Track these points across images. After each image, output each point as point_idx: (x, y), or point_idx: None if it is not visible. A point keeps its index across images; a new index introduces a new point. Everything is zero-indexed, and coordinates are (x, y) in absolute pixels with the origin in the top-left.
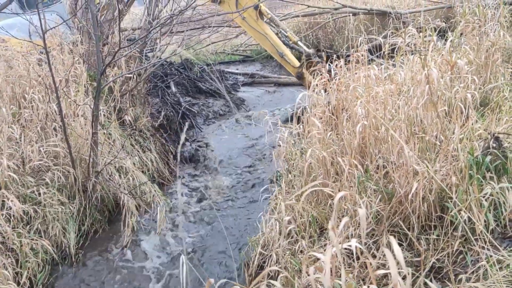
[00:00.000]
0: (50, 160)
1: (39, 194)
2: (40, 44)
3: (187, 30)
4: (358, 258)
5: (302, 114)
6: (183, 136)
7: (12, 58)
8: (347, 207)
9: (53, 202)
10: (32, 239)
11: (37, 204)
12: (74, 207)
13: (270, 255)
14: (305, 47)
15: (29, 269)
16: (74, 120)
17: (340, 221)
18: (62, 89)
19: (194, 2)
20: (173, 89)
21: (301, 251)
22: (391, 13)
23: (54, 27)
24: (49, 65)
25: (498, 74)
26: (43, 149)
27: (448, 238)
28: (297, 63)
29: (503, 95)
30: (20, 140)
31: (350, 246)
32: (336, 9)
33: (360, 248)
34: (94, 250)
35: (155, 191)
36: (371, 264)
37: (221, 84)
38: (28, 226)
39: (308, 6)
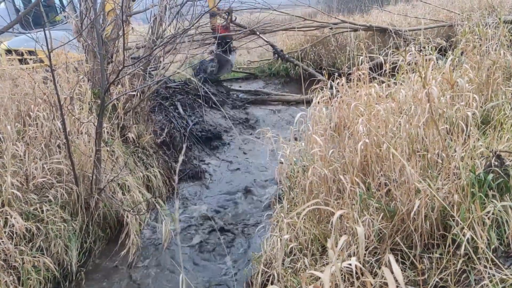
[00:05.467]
0: (54, 177)
1: (42, 211)
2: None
3: (190, 49)
4: (361, 276)
5: None
6: (181, 157)
7: (18, 76)
8: (349, 225)
9: (55, 219)
10: (34, 257)
11: (39, 221)
12: (77, 224)
13: (272, 274)
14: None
15: (30, 287)
16: (77, 138)
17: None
18: (67, 106)
19: (197, 21)
20: (180, 110)
21: (304, 269)
22: (391, 31)
23: (60, 46)
24: (54, 83)
25: (499, 92)
26: (46, 166)
27: (451, 256)
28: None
29: (504, 113)
30: (24, 158)
31: (350, 265)
32: (335, 24)
33: (360, 267)
34: (95, 268)
35: (159, 208)
36: (370, 283)
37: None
38: (31, 243)
39: (305, 19)
